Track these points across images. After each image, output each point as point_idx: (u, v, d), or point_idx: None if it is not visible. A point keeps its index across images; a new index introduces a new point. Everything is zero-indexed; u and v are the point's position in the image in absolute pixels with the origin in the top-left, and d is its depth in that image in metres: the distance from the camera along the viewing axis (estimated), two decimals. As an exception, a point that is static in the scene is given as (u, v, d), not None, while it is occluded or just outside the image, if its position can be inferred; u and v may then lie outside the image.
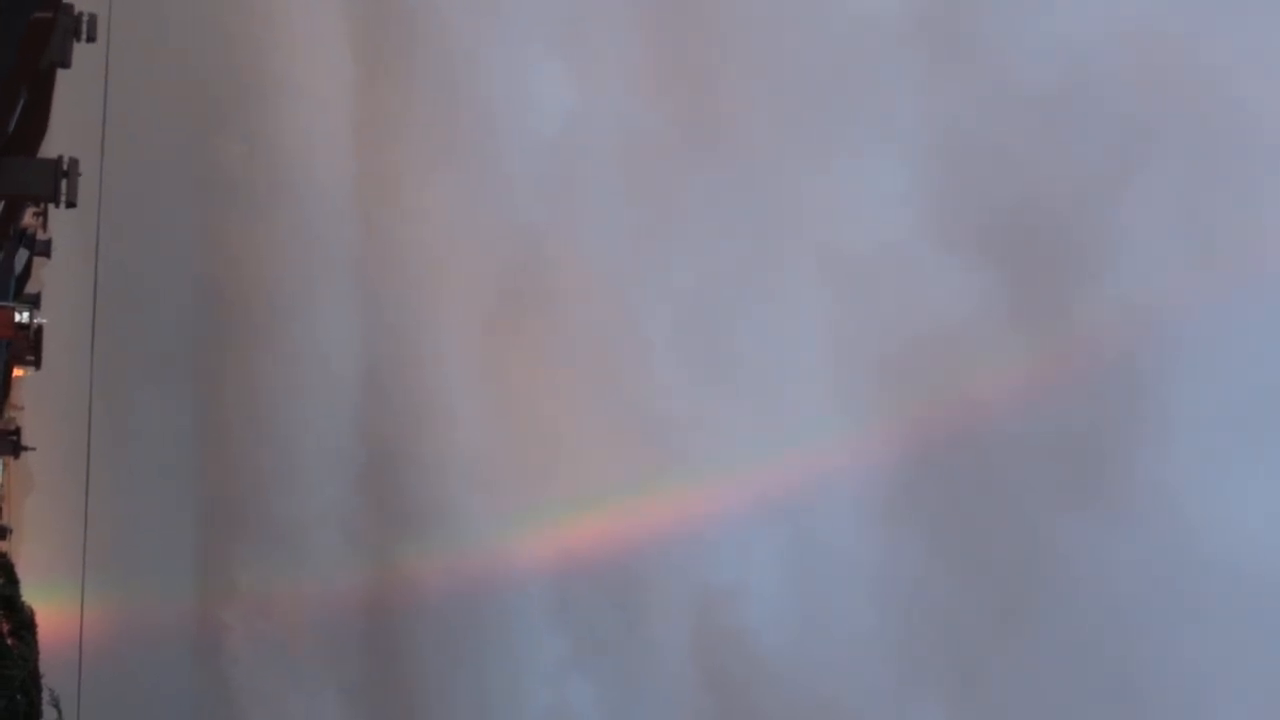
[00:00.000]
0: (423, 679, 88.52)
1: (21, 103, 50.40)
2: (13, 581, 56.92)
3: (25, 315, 61.01)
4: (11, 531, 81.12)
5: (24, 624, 54.60)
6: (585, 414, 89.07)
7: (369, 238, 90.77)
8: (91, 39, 53.49)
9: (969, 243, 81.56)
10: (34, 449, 79.24)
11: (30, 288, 67.37)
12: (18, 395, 76.19)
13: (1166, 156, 78.05)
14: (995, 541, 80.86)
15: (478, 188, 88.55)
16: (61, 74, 52.48)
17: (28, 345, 64.48)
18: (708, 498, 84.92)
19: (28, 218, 62.64)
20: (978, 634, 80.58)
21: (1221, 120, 76.68)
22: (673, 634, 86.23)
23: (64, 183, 53.05)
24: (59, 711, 55.18)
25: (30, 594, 57.18)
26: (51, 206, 56.99)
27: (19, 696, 51.55)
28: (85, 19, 52.81)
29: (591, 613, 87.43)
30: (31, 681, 53.05)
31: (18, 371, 68.75)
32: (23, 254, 61.65)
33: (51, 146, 55.33)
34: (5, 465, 79.67)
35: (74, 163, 53.46)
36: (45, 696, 54.17)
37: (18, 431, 77.46)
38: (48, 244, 68.30)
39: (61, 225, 67.53)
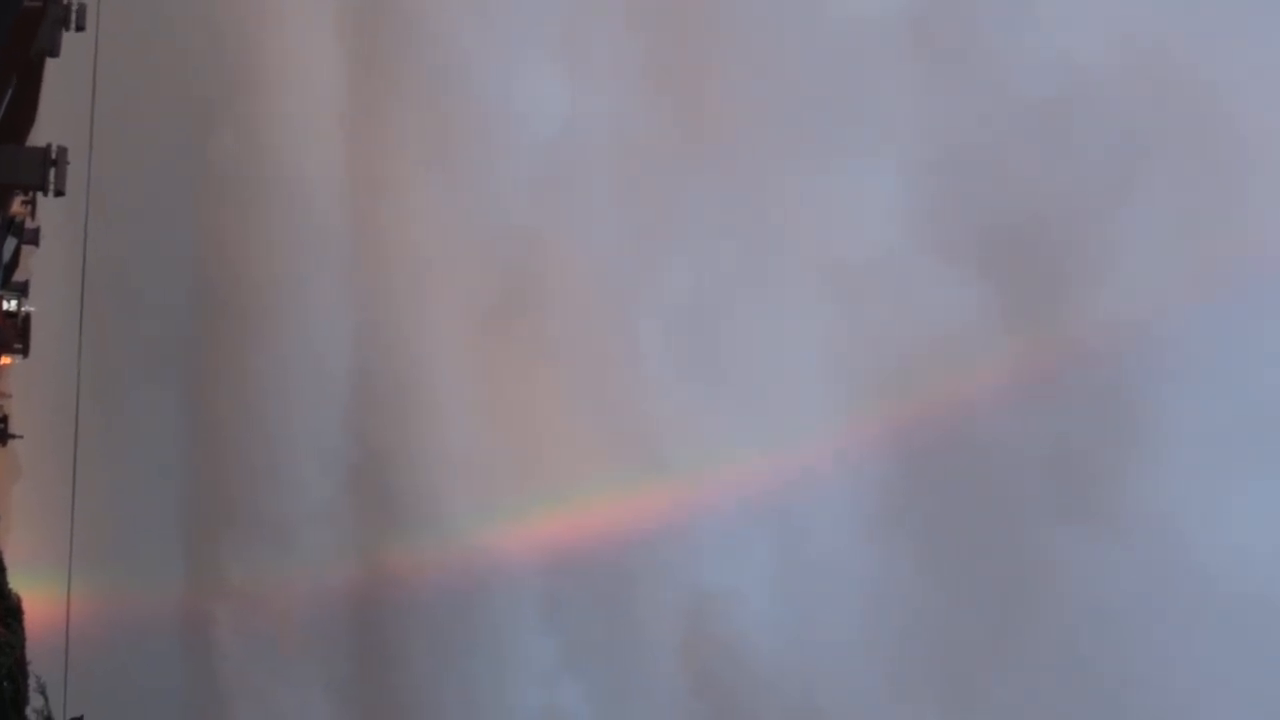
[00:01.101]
0: (411, 677, 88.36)
1: (10, 91, 50.67)
2: (-1, 569, 56.97)
3: (13, 303, 61.14)
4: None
5: (10, 611, 54.62)
6: (578, 415, 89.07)
7: (362, 236, 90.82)
8: (80, 28, 53.84)
9: (964, 250, 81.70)
10: (21, 437, 79.40)
11: (18, 276, 67.54)
12: (5, 383, 76.19)
13: (1163, 166, 78.17)
14: (987, 549, 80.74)
15: (472, 188, 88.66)
16: (50, 63, 52.78)
17: (15, 333, 64.65)
18: (700, 501, 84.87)
19: (16, 206, 62.92)
20: (969, 641, 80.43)
21: (1218, 130, 76.73)
22: (663, 636, 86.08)
23: (52, 171, 53.32)
24: (45, 698, 55.19)
25: (17, 581, 57.21)
26: (40, 195, 57.24)
27: (5, 683, 51.61)
28: (74, 8, 53.17)
29: (582, 614, 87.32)
30: (18, 668, 53.10)
31: (5, 359, 68.86)
32: (11, 242, 61.93)
33: (40, 135, 55.66)
34: (-8, 452, 79.97)
35: (62, 151, 53.73)
36: (31, 683, 54.19)
37: (5, 419, 77.59)
38: (36, 232, 68.58)
39: (50, 214, 67.77)
